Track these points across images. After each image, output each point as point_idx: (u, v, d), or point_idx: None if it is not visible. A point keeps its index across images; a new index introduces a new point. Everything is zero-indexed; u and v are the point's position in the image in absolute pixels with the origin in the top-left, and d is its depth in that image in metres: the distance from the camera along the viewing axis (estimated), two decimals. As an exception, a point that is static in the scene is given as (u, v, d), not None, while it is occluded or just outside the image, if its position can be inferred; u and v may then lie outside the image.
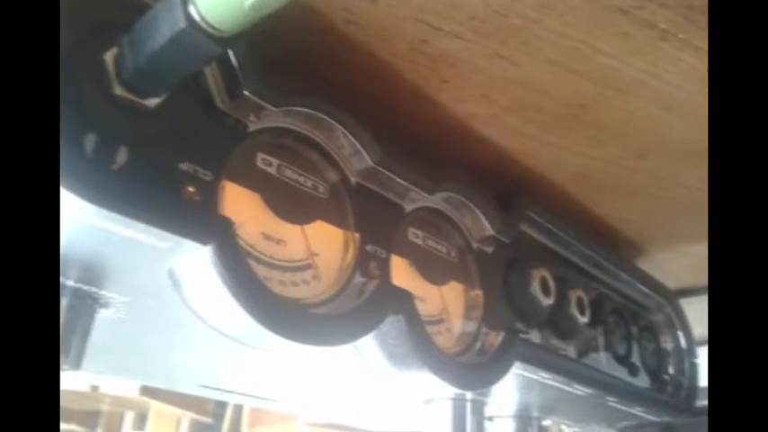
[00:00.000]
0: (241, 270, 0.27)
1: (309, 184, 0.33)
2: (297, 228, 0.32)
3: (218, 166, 0.28)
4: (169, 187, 0.26)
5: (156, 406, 2.32)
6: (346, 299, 0.33)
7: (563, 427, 0.83)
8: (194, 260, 0.27)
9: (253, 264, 0.30)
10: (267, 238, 0.31)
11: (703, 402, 0.72)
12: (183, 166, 0.27)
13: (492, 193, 0.42)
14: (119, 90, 0.25)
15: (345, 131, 0.33)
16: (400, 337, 0.34)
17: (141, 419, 2.39)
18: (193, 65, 0.24)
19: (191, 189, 0.27)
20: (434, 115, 0.40)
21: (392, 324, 0.34)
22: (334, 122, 0.32)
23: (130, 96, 0.25)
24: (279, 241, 0.32)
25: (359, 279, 0.34)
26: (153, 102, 0.26)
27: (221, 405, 2.44)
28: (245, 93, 0.29)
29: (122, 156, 0.25)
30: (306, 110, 0.31)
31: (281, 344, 0.30)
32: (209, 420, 2.50)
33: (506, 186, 0.44)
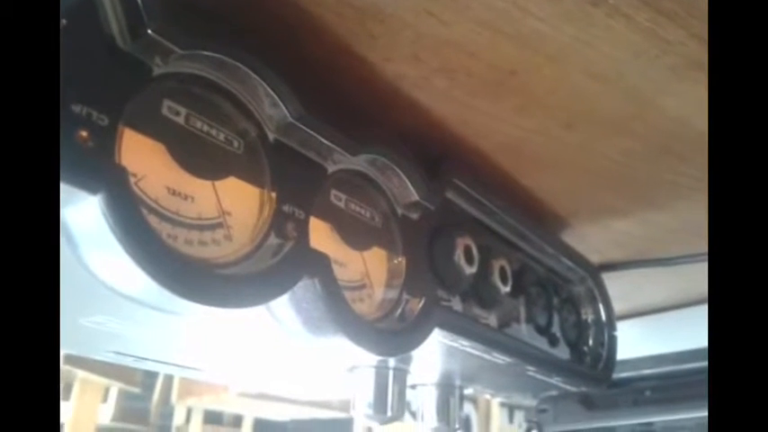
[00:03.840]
0: (135, 223, 0.25)
1: (222, 137, 0.31)
2: (207, 183, 0.30)
3: (116, 110, 0.26)
4: (57, 130, 0.24)
5: (81, 375, 2.25)
6: (258, 260, 0.31)
7: (487, 396, 0.84)
8: (85, 212, 0.24)
9: (154, 219, 0.27)
10: (173, 193, 0.29)
11: (620, 375, 0.75)
12: (76, 109, 0.25)
13: (419, 159, 0.41)
14: (-3, 17, 0.22)
15: (262, 82, 0.31)
16: (315, 301, 0.33)
17: (67, 389, 2.30)
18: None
19: (83, 134, 0.25)
20: (362, 73, 0.38)
21: (307, 288, 0.32)
22: (249, 71, 0.30)
23: (12, 25, 0.23)
24: (186, 197, 0.29)
25: (274, 240, 0.32)
26: (39, 34, 0.23)
27: (151, 375, 2.39)
28: (149, 32, 0.26)
29: (2, 92, 0.23)
30: (218, 55, 0.29)
31: (185, 305, 0.28)
32: (137, 390, 2.44)
33: (434, 152, 0.44)
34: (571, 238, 0.59)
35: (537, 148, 0.45)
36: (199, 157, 0.30)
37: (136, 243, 0.24)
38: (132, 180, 0.27)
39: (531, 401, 0.89)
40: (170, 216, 0.29)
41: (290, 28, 0.34)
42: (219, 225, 0.31)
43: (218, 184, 0.31)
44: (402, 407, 0.48)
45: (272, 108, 0.32)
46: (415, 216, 0.42)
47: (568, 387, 0.59)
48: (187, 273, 0.27)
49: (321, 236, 0.36)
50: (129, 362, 0.59)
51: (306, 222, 0.34)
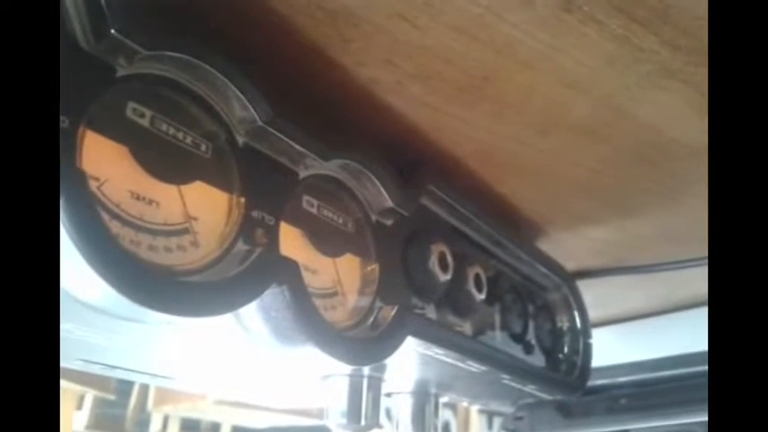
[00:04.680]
0: (94, 228, 0.24)
1: (189, 140, 0.30)
2: (173, 188, 0.30)
3: (77, 112, 0.25)
4: (12, 131, 0.23)
5: (54, 383, 2.20)
6: (225, 267, 0.30)
7: (464, 403, 0.84)
8: (41, 216, 0.24)
9: (116, 225, 0.27)
10: (137, 197, 0.28)
11: (595, 382, 0.75)
12: (34, 110, 0.24)
13: (393, 165, 0.41)
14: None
15: (231, 84, 0.30)
16: (284, 310, 0.32)
17: (40, 396, 2.25)
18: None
19: (42, 136, 0.24)
20: (335, 78, 0.37)
21: (275, 295, 0.32)
22: (217, 73, 0.29)
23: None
24: (151, 202, 0.29)
25: (242, 246, 0.31)
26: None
27: (126, 382, 2.34)
28: (112, 32, 0.26)
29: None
30: (184, 56, 0.28)
31: (149, 314, 0.27)
32: (112, 397, 2.40)
33: (408, 158, 0.43)
34: (546, 245, 0.58)
35: (512, 155, 0.45)
36: (164, 161, 0.29)
37: (94, 249, 0.24)
38: (94, 184, 0.26)
39: (509, 408, 0.89)
40: (133, 221, 0.28)
41: (260, 30, 0.34)
42: (185, 231, 0.30)
43: (184, 188, 0.30)
44: (376, 415, 0.48)
45: (241, 111, 0.31)
46: (388, 222, 0.41)
47: (543, 395, 0.58)
48: (149, 280, 0.26)
49: (292, 242, 0.35)
50: (98, 370, 0.58)
51: (276, 228, 0.33)
